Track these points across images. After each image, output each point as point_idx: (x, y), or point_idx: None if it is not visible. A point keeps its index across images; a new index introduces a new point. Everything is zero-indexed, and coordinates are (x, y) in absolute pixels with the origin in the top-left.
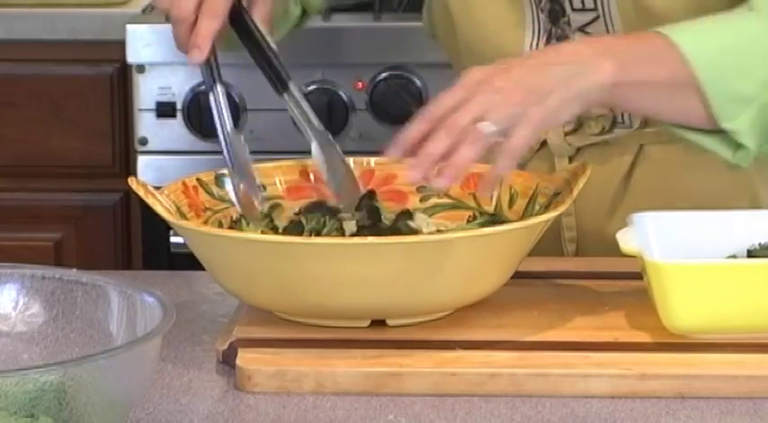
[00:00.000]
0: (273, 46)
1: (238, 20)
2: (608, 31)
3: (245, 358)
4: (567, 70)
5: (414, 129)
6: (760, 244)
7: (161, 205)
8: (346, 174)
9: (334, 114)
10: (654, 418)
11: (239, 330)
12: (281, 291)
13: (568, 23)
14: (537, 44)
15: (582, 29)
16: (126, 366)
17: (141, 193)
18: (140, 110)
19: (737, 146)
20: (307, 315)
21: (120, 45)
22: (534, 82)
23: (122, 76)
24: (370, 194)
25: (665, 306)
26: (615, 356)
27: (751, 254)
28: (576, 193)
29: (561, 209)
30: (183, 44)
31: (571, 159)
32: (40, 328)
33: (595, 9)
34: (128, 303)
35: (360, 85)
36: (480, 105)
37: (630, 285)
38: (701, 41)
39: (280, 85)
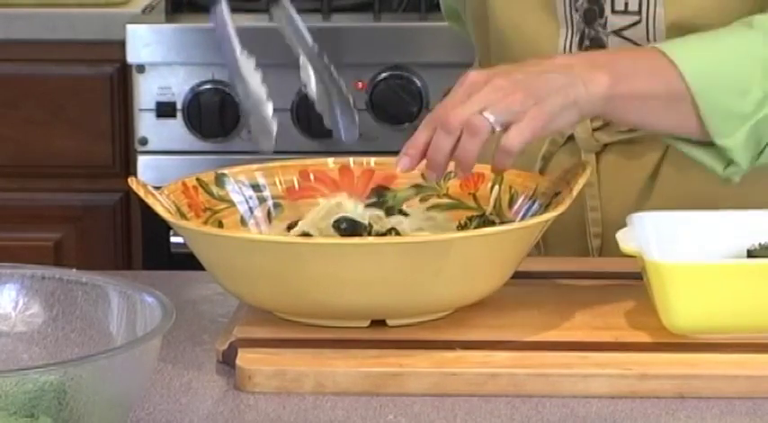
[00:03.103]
0: None
1: None
2: (648, 38)
3: (245, 358)
4: (565, 80)
5: (420, 135)
6: (760, 244)
7: (161, 205)
8: (339, 98)
9: None
10: (654, 418)
11: (239, 330)
12: (281, 291)
13: (604, 26)
14: (570, 44)
15: (619, 32)
16: (126, 366)
17: (141, 193)
18: (140, 110)
19: (729, 161)
20: (307, 315)
21: (120, 45)
22: (534, 85)
23: (122, 76)
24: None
25: (665, 306)
26: (615, 356)
27: (751, 254)
28: (575, 192)
29: (561, 209)
30: None
31: (598, 155)
32: (40, 328)
33: (639, 13)
34: (128, 303)
35: (360, 85)
36: (481, 101)
37: (630, 285)
38: (697, 58)
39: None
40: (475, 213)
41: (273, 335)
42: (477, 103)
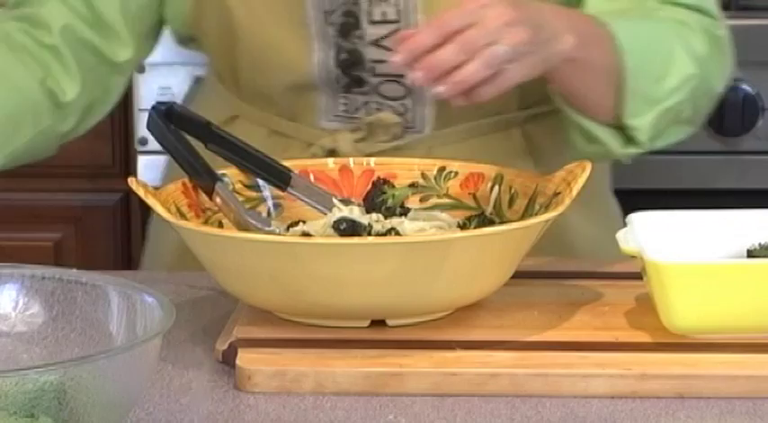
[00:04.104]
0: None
1: (215, 137)
2: None
3: (245, 358)
4: (549, 33)
5: (424, 36)
6: (760, 244)
7: (161, 205)
8: None
9: None
10: (654, 418)
11: (239, 330)
12: (282, 291)
13: (362, 37)
14: (325, 58)
15: (377, 42)
16: (126, 366)
17: (141, 193)
18: (140, 110)
19: (628, 141)
20: (307, 315)
21: None
22: (536, 30)
23: None
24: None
25: (665, 306)
26: (615, 356)
27: (751, 254)
28: (575, 192)
29: (561, 209)
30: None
31: None
32: (40, 328)
33: (398, 21)
34: (128, 303)
35: None
36: (494, 31)
37: (630, 285)
38: (634, 37)
39: (282, 182)
40: (475, 213)
41: (273, 335)
42: (493, 32)
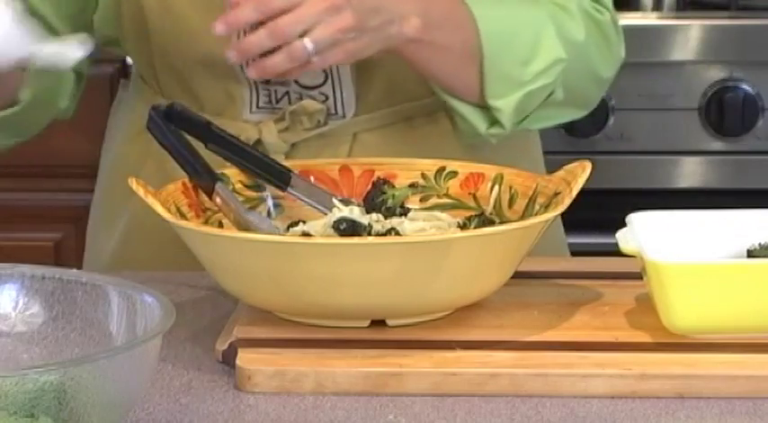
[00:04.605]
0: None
1: (215, 137)
2: None
3: (245, 358)
4: (387, 15)
5: (246, 12)
6: (760, 244)
7: (161, 205)
8: None
9: None
10: (654, 418)
11: (239, 330)
12: (281, 291)
13: None
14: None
15: None
16: (126, 366)
17: (141, 193)
18: None
19: (493, 123)
20: (307, 315)
21: None
22: (364, 15)
23: (122, 76)
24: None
25: (665, 306)
26: (615, 356)
27: (751, 254)
28: (575, 192)
29: (561, 209)
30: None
31: (287, 155)
32: (40, 328)
33: None
34: (128, 303)
35: None
36: (312, 17)
37: (630, 285)
38: (495, 20)
39: (282, 182)
40: (475, 213)
41: (273, 335)
42: (307, 19)
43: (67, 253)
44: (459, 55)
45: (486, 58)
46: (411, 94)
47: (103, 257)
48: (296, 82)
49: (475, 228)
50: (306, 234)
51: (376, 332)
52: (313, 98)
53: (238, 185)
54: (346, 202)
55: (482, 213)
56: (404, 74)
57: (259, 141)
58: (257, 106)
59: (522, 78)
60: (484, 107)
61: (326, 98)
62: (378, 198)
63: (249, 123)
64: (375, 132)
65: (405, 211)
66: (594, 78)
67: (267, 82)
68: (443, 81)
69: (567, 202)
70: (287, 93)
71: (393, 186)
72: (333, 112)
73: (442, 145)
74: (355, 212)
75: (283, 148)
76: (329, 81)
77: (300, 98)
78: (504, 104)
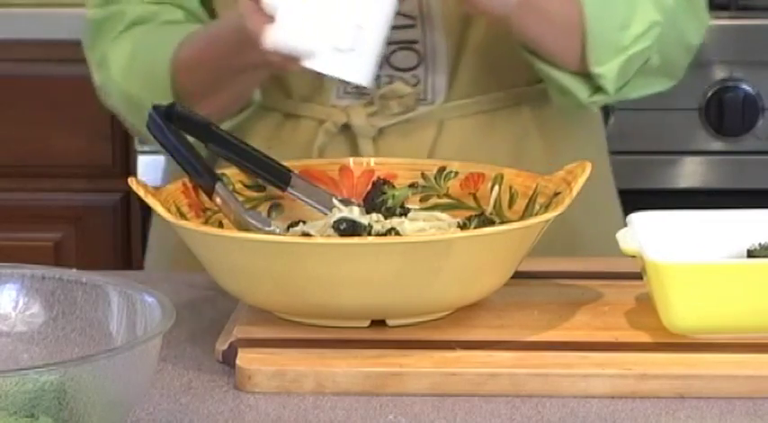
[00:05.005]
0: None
1: (215, 137)
2: None
3: (245, 358)
4: None
5: None
6: (760, 244)
7: (161, 205)
8: None
9: None
10: (654, 418)
11: (239, 330)
12: (282, 291)
13: None
14: None
15: None
16: (126, 366)
17: (141, 193)
18: None
19: (596, 90)
20: (307, 315)
21: None
22: None
23: None
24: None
25: (665, 306)
26: (615, 356)
27: (751, 254)
28: (575, 191)
29: (561, 209)
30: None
31: (375, 140)
32: (40, 328)
33: None
34: (128, 303)
35: None
36: None
37: (630, 285)
38: None
39: (282, 182)
40: (475, 213)
41: (273, 335)
42: None
43: (67, 253)
44: (561, 21)
45: (588, 23)
46: (501, 83)
47: (166, 259)
48: (389, 64)
49: (475, 228)
50: (306, 234)
51: (376, 332)
52: (405, 81)
53: (238, 185)
54: (346, 202)
55: (482, 213)
56: (496, 60)
57: (347, 126)
58: (345, 91)
59: (623, 43)
60: (584, 75)
61: (418, 82)
62: (378, 198)
63: (337, 108)
64: (461, 121)
65: (405, 212)
66: (684, 44)
67: None
68: (546, 48)
69: (567, 202)
70: (378, 76)
71: (393, 186)
72: (422, 97)
73: (525, 141)
74: (355, 212)
75: (371, 132)
76: (423, 64)
77: (390, 82)
78: (607, 70)
